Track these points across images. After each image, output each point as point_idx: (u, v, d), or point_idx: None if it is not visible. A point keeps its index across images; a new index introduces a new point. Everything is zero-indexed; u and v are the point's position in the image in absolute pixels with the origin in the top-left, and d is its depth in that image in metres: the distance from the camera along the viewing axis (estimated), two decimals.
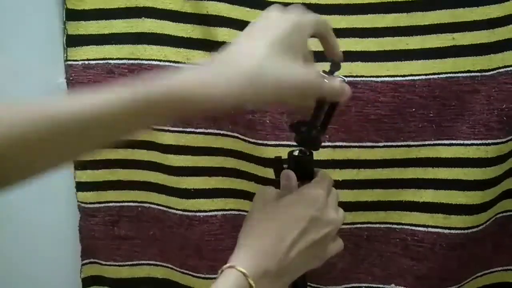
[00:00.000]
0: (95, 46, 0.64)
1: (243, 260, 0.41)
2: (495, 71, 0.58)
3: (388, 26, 0.59)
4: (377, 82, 0.59)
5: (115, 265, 0.70)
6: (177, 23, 0.62)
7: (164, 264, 0.70)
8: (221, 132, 0.64)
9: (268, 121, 0.61)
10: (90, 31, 0.63)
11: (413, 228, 0.63)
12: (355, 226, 0.64)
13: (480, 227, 0.62)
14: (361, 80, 0.60)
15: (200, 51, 0.62)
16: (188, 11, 0.62)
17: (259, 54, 0.37)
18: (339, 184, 0.61)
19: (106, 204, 0.68)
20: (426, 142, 0.61)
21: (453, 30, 0.58)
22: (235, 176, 0.66)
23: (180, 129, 0.64)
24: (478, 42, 0.58)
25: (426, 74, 0.59)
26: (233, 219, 0.66)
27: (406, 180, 0.62)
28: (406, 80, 0.59)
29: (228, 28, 0.60)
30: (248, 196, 0.66)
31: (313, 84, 0.41)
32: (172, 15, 0.62)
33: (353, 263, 0.65)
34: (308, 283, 0.61)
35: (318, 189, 0.46)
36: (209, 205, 0.66)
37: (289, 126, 0.49)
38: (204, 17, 0.61)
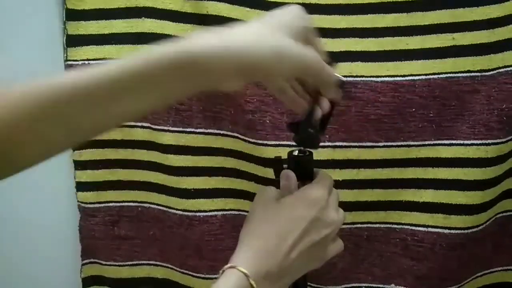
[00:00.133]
0: (95, 46, 0.64)
1: (244, 261, 0.41)
2: (495, 71, 0.58)
3: (388, 26, 0.59)
4: (377, 82, 0.59)
5: (115, 265, 0.70)
6: (177, 23, 0.62)
7: (164, 264, 0.70)
8: (221, 132, 0.64)
9: (268, 121, 0.61)
10: (90, 31, 0.63)
11: (413, 228, 0.63)
12: (355, 226, 0.64)
13: (480, 227, 0.62)
14: (361, 80, 0.60)
15: None
16: (188, 11, 0.62)
17: (257, 27, 0.39)
18: (339, 184, 0.61)
19: (106, 204, 0.68)
20: (426, 142, 0.61)
21: (453, 30, 0.58)
22: (235, 176, 0.66)
23: (180, 129, 0.64)
24: (478, 42, 0.58)
25: (426, 74, 0.59)
26: (233, 219, 0.66)
27: (406, 180, 0.62)
28: (406, 80, 0.59)
29: None
30: (248, 196, 0.66)
31: (314, 61, 0.41)
32: (172, 15, 0.62)
33: (353, 263, 0.65)
34: (308, 283, 0.61)
35: (319, 190, 0.46)
36: (209, 205, 0.66)
37: (287, 126, 0.49)
38: (204, 17, 0.61)
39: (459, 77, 0.59)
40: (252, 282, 0.40)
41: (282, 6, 0.43)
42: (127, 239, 0.69)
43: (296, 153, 0.49)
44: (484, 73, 0.58)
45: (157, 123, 0.64)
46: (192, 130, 0.64)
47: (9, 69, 0.60)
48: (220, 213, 0.66)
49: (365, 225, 0.64)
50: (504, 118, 0.58)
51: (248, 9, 0.60)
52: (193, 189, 0.65)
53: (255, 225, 0.45)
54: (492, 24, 0.57)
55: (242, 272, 0.40)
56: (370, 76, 0.60)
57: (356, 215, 0.63)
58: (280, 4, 0.60)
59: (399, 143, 0.61)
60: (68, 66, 0.64)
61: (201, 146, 0.64)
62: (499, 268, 0.66)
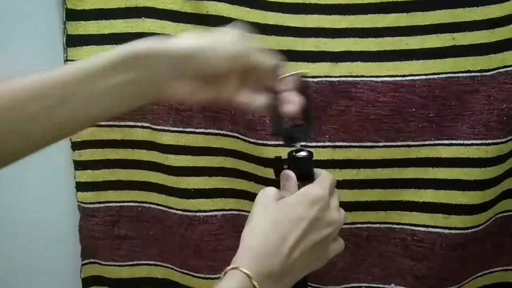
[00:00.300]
0: (95, 46, 0.64)
1: (246, 262, 0.41)
2: (495, 71, 0.58)
3: (388, 26, 0.59)
4: (377, 82, 0.59)
5: (115, 265, 0.70)
6: (177, 23, 0.62)
7: (164, 264, 0.70)
8: (221, 132, 0.64)
9: (268, 121, 0.61)
10: (90, 31, 0.63)
11: (413, 228, 0.63)
12: (355, 226, 0.64)
13: (480, 227, 0.62)
14: (361, 80, 0.60)
15: None
16: (188, 11, 0.62)
17: (196, 36, 0.43)
18: (339, 184, 0.61)
19: (106, 204, 0.68)
20: (426, 142, 0.61)
21: (453, 30, 0.58)
22: (235, 176, 0.66)
23: (180, 129, 0.64)
24: (478, 42, 0.58)
25: (426, 74, 0.59)
26: (233, 219, 0.66)
27: (406, 180, 0.62)
28: (406, 80, 0.59)
29: None
30: (248, 196, 0.66)
31: (245, 50, 0.43)
32: (172, 15, 0.62)
33: (353, 263, 0.65)
34: (308, 283, 0.61)
35: (319, 190, 0.46)
36: (209, 205, 0.66)
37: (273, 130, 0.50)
38: (204, 17, 0.61)
39: (459, 77, 0.59)
40: (255, 283, 0.40)
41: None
42: (127, 239, 0.69)
43: (296, 153, 0.49)
44: (484, 73, 0.58)
45: (157, 123, 0.64)
46: (192, 130, 0.64)
47: (9, 69, 0.60)
48: (220, 213, 0.66)
49: (365, 225, 0.64)
50: (504, 118, 0.58)
51: (248, 9, 0.60)
52: (193, 189, 0.65)
53: (257, 226, 0.45)
54: (492, 24, 0.57)
55: (245, 273, 0.40)
56: (370, 76, 0.60)
57: (356, 215, 0.63)
58: (280, 4, 0.60)
59: (399, 143, 0.61)
60: None
61: (201, 146, 0.64)
62: (499, 268, 0.66)
